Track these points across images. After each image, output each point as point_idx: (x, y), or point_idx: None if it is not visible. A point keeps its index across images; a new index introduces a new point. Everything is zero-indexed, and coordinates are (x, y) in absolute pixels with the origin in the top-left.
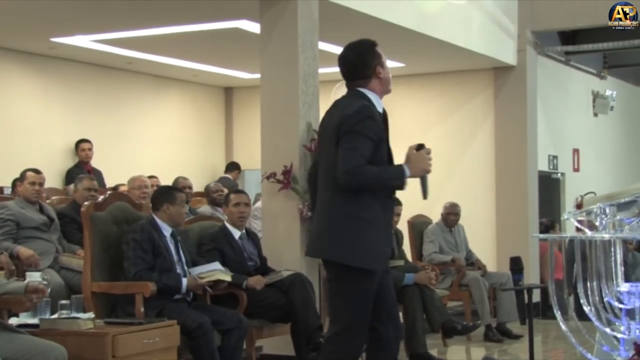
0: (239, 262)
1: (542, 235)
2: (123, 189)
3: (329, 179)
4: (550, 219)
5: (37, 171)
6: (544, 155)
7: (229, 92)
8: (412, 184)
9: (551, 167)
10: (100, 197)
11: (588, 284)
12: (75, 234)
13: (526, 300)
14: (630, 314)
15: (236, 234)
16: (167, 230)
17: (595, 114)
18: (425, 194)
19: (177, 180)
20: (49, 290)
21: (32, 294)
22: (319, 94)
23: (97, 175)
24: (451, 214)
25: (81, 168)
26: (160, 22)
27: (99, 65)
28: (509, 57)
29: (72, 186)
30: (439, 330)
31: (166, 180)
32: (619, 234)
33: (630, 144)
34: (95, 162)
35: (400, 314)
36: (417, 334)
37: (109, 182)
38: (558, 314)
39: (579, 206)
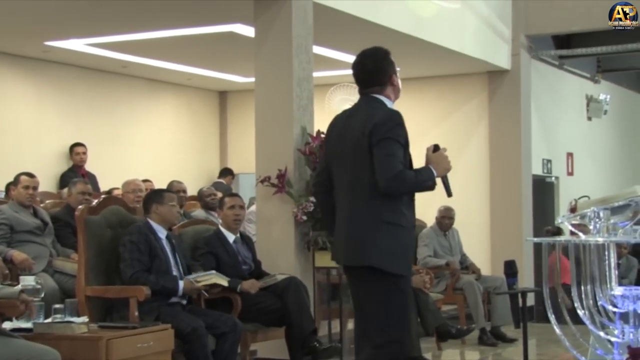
0: (233, 265)
1: (536, 239)
2: (117, 192)
3: (360, 185)
4: (555, 227)
5: (31, 175)
6: (538, 159)
7: (223, 96)
8: None
9: (545, 170)
10: (95, 201)
11: (582, 288)
12: (69, 238)
13: (520, 304)
14: (624, 317)
15: (230, 237)
16: (162, 233)
17: (589, 118)
18: (449, 192)
19: (171, 184)
20: (43, 295)
21: (23, 303)
22: (314, 97)
23: (91, 179)
24: (445, 218)
25: (75, 172)
26: (154, 26)
27: (93, 68)
28: (503, 61)
29: (66, 190)
30: (434, 334)
31: (160, 184)
32: (612, 238)
33: (623, 147)
34: (89, 166)
35: None
36: (411, 338)
37: (103, 186)
38: (552, 318)
39: (572, 210)
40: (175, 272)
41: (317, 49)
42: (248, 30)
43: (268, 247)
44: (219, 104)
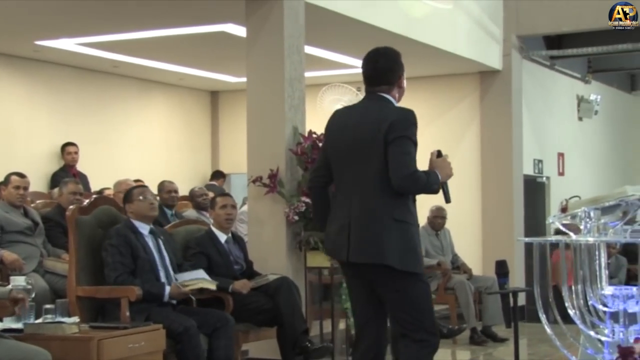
0: (225, 265)
1: (527, 239)
2: (108, 192)
3: (369, 182)
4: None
5: (21, 175)
6: (529, 159)
7: (215, 96)
8: None
9: (536, 171)
10: (86, 201)
11: (572, 287)
12: (60, 238)
13: (511, 304)
14: (615, 317)
15: (222, 237)
16: (144, 229)
17: (580, 118)
18: (448, 199)
19: (162, 184)
20: (33, 295)
21: (14, 303)
22: (305, 97)
23: (82, 179)
24: (438, 217)
25: (66, 172)
26: (146, 26)
27: (84, 68)
28: (494, 61)
29: (57, 190)
30: None
31: (152, 184)
32: (603, 238)
33: (614, 148)
34: (80, 166)
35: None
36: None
37: (95, 186)
38: (543, 317)
39: (563, 210)
40: (161, 270)
41: (309, 49)
42: (240, 30)
43: (260, 247)
44: (211, 103)
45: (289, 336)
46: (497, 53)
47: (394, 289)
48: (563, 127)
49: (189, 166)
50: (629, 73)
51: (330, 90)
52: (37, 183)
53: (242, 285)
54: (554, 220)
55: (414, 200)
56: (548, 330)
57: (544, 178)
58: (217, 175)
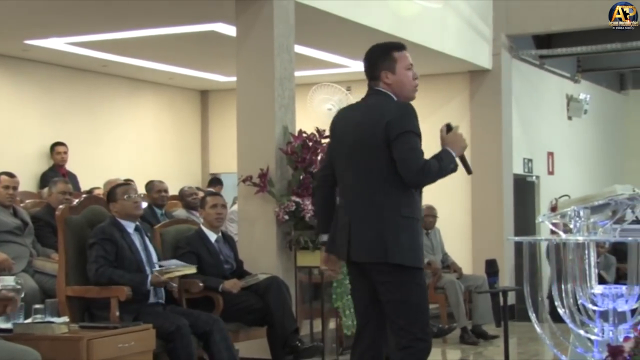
0: (215, 265)
1: (517, 238)
2: (98, 192)
3: (374, 179)
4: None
5: (11, 175)
6: (519, 158)
7: (204, 95)
8: None
9: (526, 170)
10: (75, 201)
11: (562, 286)
12: (49, 238)
13: (501, 303)
14: (604, 316)
15: (212, 237)
16: (130, 227)
17: (570, 118)
18: (469, 170)
19: (152, 184)
20: (23, 295)
21: (3, 302)
22: (295, 97)
23: (71, 178)
24: (429, 217)
25: (56, 171)
26: (135, 25)
27: (74, 67)
28: (484, 60)
29: (46, 190)
30: None
31: (141, 184)
32: (592, 237)
33: (603, 147)
34: (70, 166)
35: None
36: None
37: (84, 186)
38: (533, 316)
39: (553, 209)
40: (147, 267)
41: (299, 49)
42: (229, 30)
43: (250, 246)
44: (201, 103)
45: (279, 336)
46: (486, 52)
47: (393, 288)
48: (552, 127)
49: (179, 166)
50: (618, 72)
51: (320, 90)
52: (27, 183)
53: (232, 285)
54: (544, 219)
55: (420, 192)
56: (538, 329)
57: (534, 177)
58: (215, 182)
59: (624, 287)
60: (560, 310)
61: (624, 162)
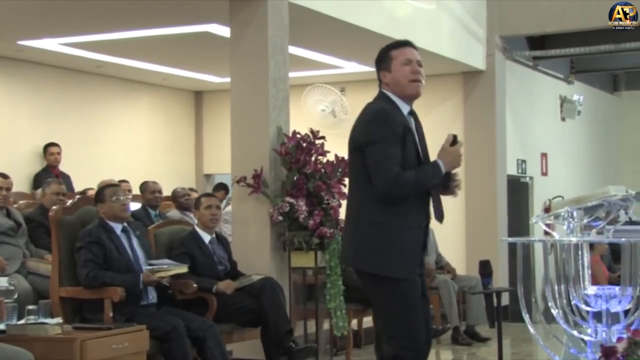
0: (209, 266)
1: (510, 239)
2: (92, 193)
3: (352, 186)
4: None
5: (4, 175)
6: (512, 159)
7: (199, 96)
8: None
9: (520, 171)
10: (69, 202)
11: (556, 287)
12: (42, 239)
13: (495, 304)
14: (597, 316)
15: (206, 238)
16: (117, 228)
17: (563, 119)
18: (446, 189)
19: (146, 184)
20: (16, 296)
21: None
22: (289, 98)
23: (65, 179)
24: None
25: (49, 172)
26: (129, 26)
27: (67, 68)
28: (478, 61)
29: (39, 190)
30: None
31: (135, 184)
32: (586, 238)
33: (596, 148)
34: (63, 166)
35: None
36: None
37: (78, 187)
38: (526, 317)
39: (547, 210)
40: (137, 267)
41: (293, 49)
42: (224, 31)
43: (244, 247)
44: (195, 104)
45: (273, 336)
46: (480, 53)
47: (373, 295)
48: (546, 128)
49: (172, 166)
50: (612, 74)
51: (314, 91)
52: (20, 184)
53: (226, 286)
54: (537, 220)
55: (418, 198)
56: (531, 330)
57: (528, 178)
58: (220, 187)
59: (617, 288)
60: (554, 311)
61: (618, 163)
